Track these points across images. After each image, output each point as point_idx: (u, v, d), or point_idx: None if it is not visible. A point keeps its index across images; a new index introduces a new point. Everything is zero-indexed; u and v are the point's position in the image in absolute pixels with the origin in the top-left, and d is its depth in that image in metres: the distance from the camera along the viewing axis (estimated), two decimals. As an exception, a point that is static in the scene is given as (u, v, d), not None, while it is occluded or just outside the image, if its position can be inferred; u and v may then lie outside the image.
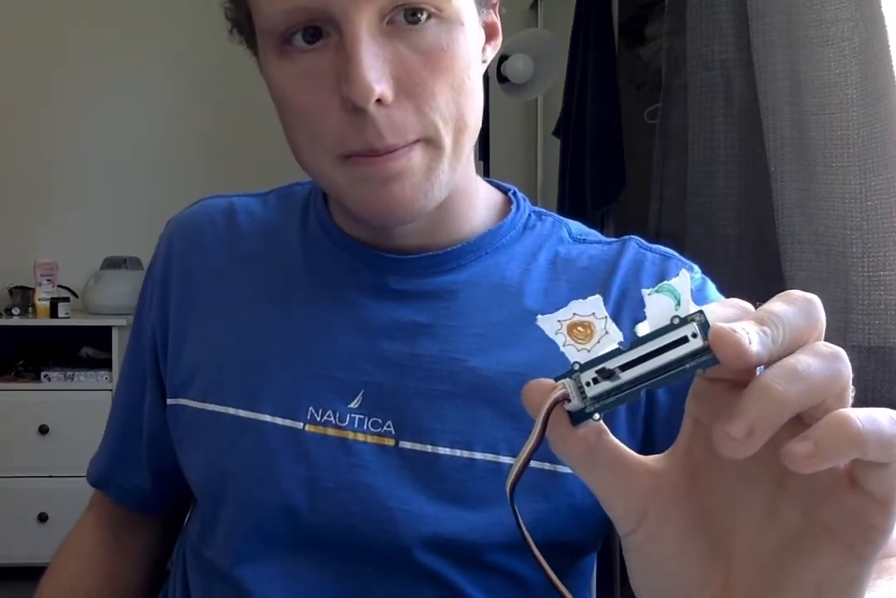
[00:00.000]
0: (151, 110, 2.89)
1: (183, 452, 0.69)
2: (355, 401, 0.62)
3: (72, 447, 2.36)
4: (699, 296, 0.65)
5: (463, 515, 0.59)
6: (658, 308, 0.31)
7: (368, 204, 0.57)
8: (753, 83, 1.30)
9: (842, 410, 0.30)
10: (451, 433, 0.61)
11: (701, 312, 0.31)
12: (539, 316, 0.32)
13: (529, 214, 0.70)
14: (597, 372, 0.32)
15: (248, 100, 2.80)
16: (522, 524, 0.35)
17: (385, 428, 0.61)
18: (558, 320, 0.32)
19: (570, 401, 0.32)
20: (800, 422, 0.31)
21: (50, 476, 2.45)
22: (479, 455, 0.60)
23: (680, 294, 0.31)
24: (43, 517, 2.46)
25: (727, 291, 0.67)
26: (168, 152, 2.89)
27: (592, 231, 0.71)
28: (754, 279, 1.37)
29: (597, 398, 0.32)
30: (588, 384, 0.32)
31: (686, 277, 0.31)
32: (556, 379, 0.33)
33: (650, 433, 0.62)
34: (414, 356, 0.63)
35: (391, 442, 0.61)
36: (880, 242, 1.09)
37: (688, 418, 0.36)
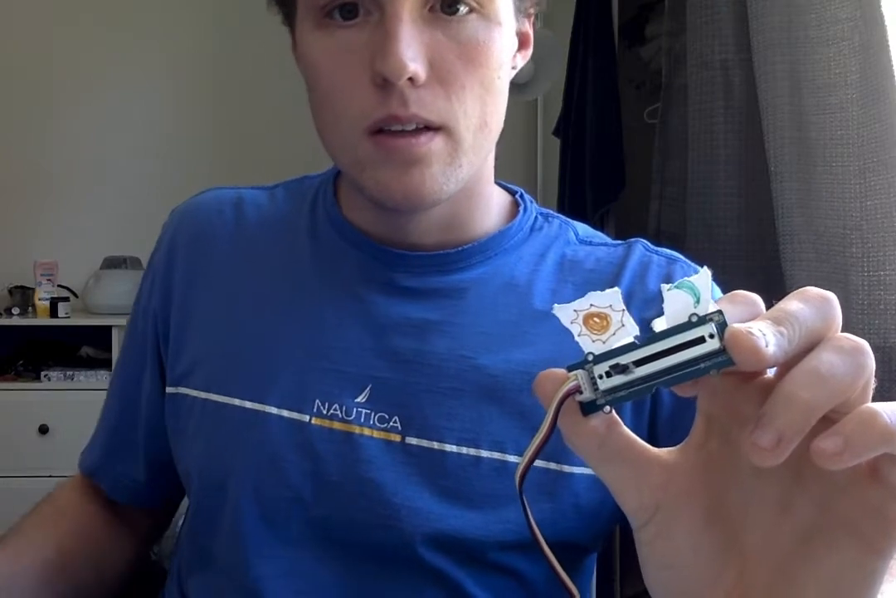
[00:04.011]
0: (152, 111, 2.89)
1: (180, 442, 0.68)
2: (362, 395, 0.62)
3: (72, 447, 2.35)
4: None
5: (468, 513, 0.59)
6: (676, 305, 0.31)
7: (387, 187, 0.57)
8: (753, 83, 1.30)
9: (869, 405, 0.30)
10: (458, 431, 0.61)
11: (720, 311, 0.30)
12: (555, 305, 0.32)
13: (536, 216, 0.70)
14: (611, 366, 0.31)
15: (249, 100, 2.80)
16: (530, 515, 0.35)
17: (391, 424, 0.61)
18: (574, 310, 0.32)
19: (581, 393, 0.32)
20: (823, 417, 0.31)
21: (50, 476, 2.44)
22: (485, 453, 0.60)
23: (700, 292, 0.31)
24: (43, 517, 2.46)
25: (727, 291, 0.67)
26: (168, 153, 2.89)
27: (598, 233, 0.72)
28: (754, 279, 1.37)
29: (609, 391, 0.32)
30: (601, 377, 0.32)
31: (707, 275, 0.31)
32: (569, 369, 0.32)
33: (653, 432, 0.62)
34: (422, 353, 0.63)
35: (397, 438, 0.61)
36: (880, 242, 1.09)
37: (700, 413, 0.35)
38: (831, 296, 0.32)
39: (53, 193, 2.88)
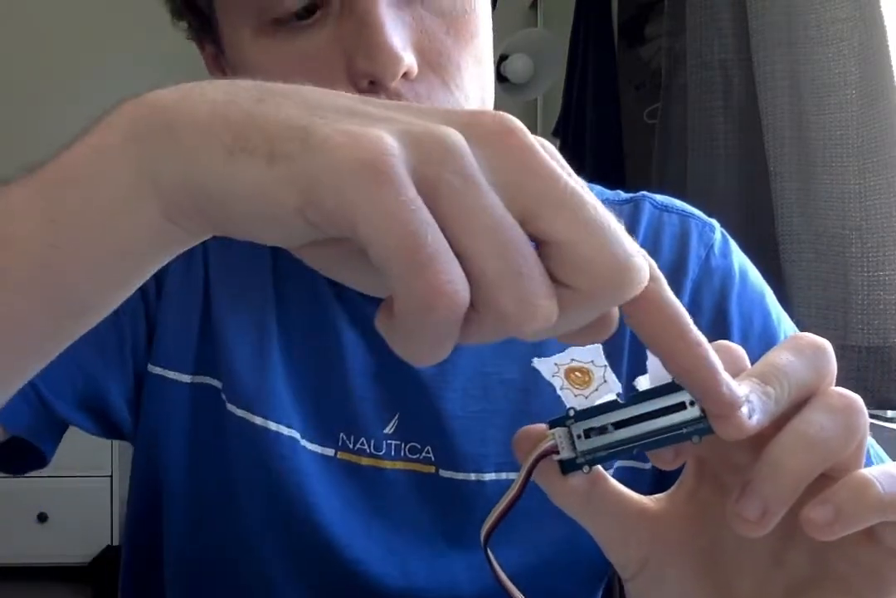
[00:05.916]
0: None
1: (186, 436, 0.59)
2: (390, 426, 0.57)
3: (71, 447, 2.35)
4: (723, 257, 0.60)
5: (509, 548, 0.55)
6: (660, 363, 0.30)
7: None
8: (753, 83, 1.30)
9: (862, 472, 0.29)
10: (494, 456, 0.56)
11: None
12: (535, 358, 0.31)
13: None
14: (590, 427, 0.31)
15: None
16: (496, 566, 0.33)
17: (424, 454, 0.56)
18: (556, 364, 0.31)
19: (558, 453, 0.31)
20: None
21: (50, 476, 2.44)
22: None
23: None
24: (43, 517, 2.45)
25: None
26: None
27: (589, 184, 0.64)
28: (754, 279, 1.36)
29: (588, 452, 0.31)
30: (580, 437, 0.31)
31: None
32: (550, 425, 0.32)
33: None
34: (444, 376, 0.57)
35: (431, 469, 0.56)
36: (880, 242, 1.09)
37: (690, 457, 0.34)
38: (825, 345, 0.31)
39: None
